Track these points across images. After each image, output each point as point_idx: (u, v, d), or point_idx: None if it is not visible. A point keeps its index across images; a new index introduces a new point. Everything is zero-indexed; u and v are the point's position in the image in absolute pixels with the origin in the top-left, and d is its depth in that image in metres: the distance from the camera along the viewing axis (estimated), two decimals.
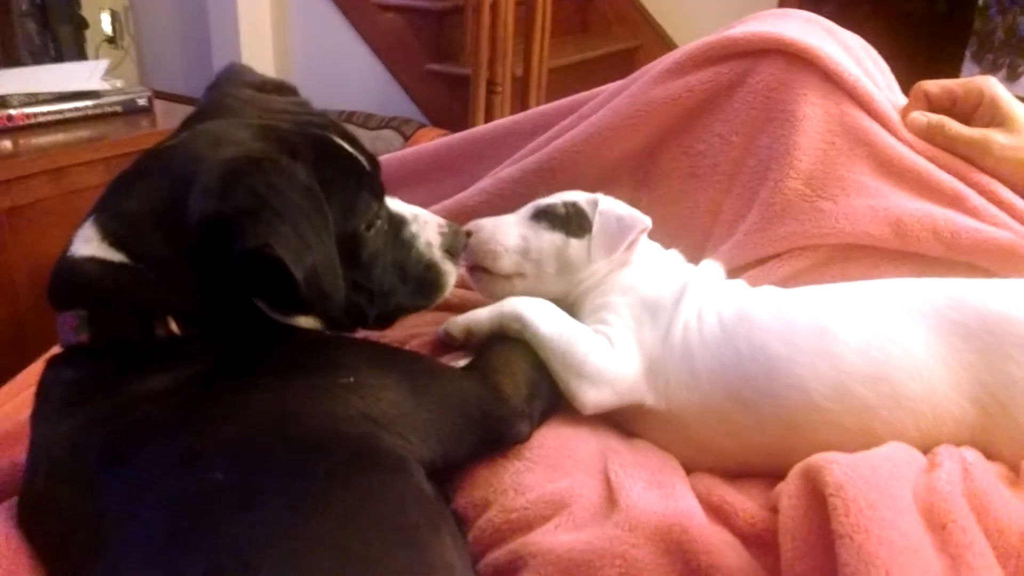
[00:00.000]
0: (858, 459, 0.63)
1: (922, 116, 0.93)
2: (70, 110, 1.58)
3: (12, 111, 1.50)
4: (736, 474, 0.77)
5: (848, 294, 0.80)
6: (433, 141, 1.25)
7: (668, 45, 2.89)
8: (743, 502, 0.70)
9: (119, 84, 1.67)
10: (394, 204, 0.82)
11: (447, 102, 2.60)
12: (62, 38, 2.23)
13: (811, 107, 0.93)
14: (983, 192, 0.88)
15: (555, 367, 0.80)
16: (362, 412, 0.65)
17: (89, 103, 1.60)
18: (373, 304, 0.77)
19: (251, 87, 0.80)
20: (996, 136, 0.89)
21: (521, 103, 2.34)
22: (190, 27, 2.80)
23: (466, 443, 0.73)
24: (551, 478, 0.73)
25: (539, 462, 0.75)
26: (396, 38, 2.65)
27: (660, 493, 0.71)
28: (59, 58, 2.17)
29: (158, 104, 1.76)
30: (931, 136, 0.92)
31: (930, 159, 0.90)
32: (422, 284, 0.81)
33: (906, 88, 1.00)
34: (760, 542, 0.66)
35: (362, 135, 2.55)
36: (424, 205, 1.15)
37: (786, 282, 0.89)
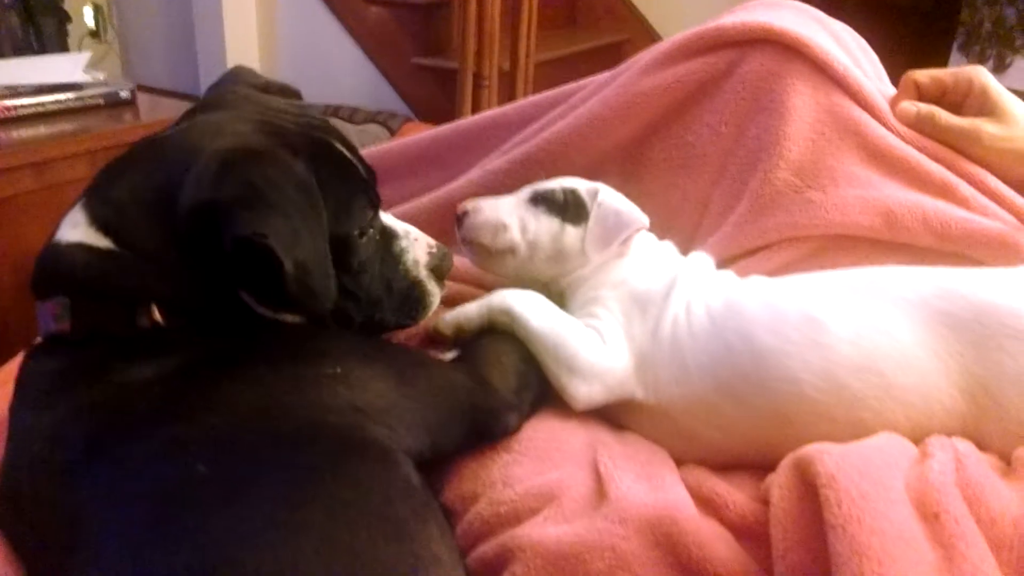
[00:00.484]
0: (849, 449, 0.63)
1: (912, 106, 0.92)
2: (52, 102, 1.56)
3: None
4: (726, 467, 0.76)
5: (837, 283, 0.79)
6: (419, 134, 1.24)
7: (655, 39, 2.85)
8: (733, 494, 0.70)
9: (102, 77, 1.65)
10: (387, 219, 0.82)
11: (434, 96, 2.59)
12: (45, 32, 2.19)
13: (801, 97, 0.92)
14: (973, 182, 0.88)
15: (546, 362, 0.79)
16: (349, 402, 0.64)
17: (71, 95, 1.58)
18: (360, 311, 0.77)
19: (255, 88, 0.80)
20: (986, 126, 0.89)
21: (508, 97, 2.33)
22: (174, 21, 2.77)
23: (454, 435, 0.72)
24: (540, 471, 0.72)
25: (528, 455, 0.74)
26: (382, 32, 2.63)
27: (650, 485, 0.70)
28: (42, 52, 2.14)
29: (141, 97, 1.74)
30: (921, 126, 0.91)
31: (920, 149, 0.90)
32: (406, 301, 0.81)
33: (895, 79, 0.99)
34: (751, 534, 0.66)
35: (348, 129, 2.53)
36: (411, 197, 1.15)
37: (776, 273, 0.89)
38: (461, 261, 0.98)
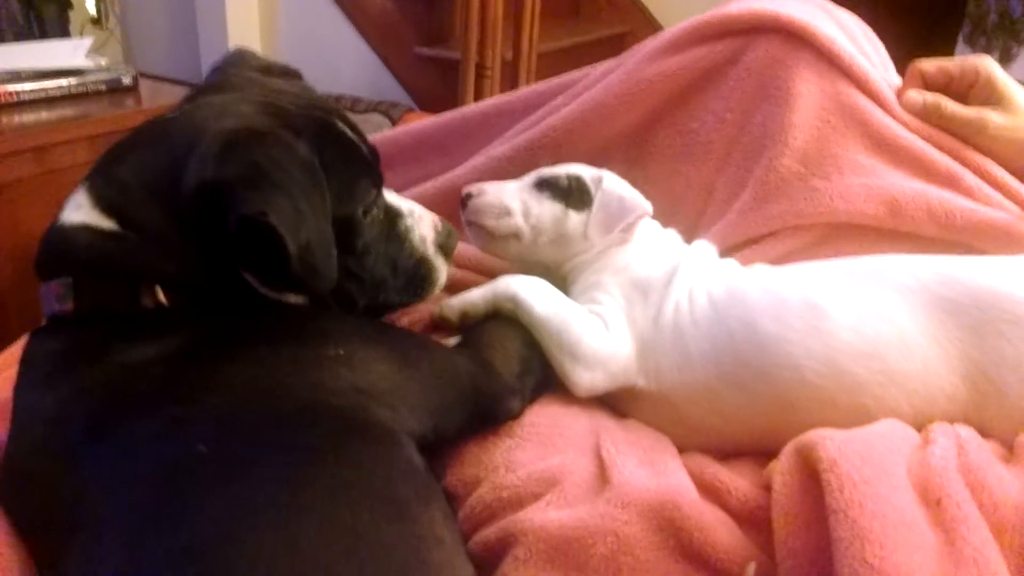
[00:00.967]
0: (852, 435, 0.63)
1: (918, 95, 0.92)
2: (53, 88, 1.55)
3: None
4: (728, 453, 0.77)
5: (839, 271, 0.79)
6: (422, 120, 1.24)
7: (658, 31, 2.86)
8: (735, 480, 0.70)
9: (103, 63, 1.64)
10: (391, 197, 0.82)
11: (436, 86, 2.58)
12: (46, 18, 2.19)
13: (806, 85, 0.92)
14: (978, 172, 0.88)
15: (549, 348, 0.79)
16: (351, 384, 0.64)
17: (73, 81, 1.57)
18: (364, 293, 0.77)
19: (257, 70, 0.80)
20: (991, 116, 0.88)
21: (511, 87, 2.32)
22: (176, 10, 2.76)
23: (457, 418, 0.72)
24: (542, 456, 0.72)
25: (530, 440, 0.74)
26: (385, 21, 2.62)
27: (652, 471, 0.70)
28: (43, 38, 2.14)
29: (143, 83, 1.73)
30: (926, 115, 0.91)
31: (925, 138, 0.90)
32: (412, 279, 0.81)
33: (901, 69, 0.99)
34: (753, 520, 0.66)
35: (349, 118, 2.52)
36: (414, 184, 1.14)
37: (780, 261, 0.89)
38: (465, 247, 0.98)
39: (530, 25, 2.28)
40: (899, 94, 0.93)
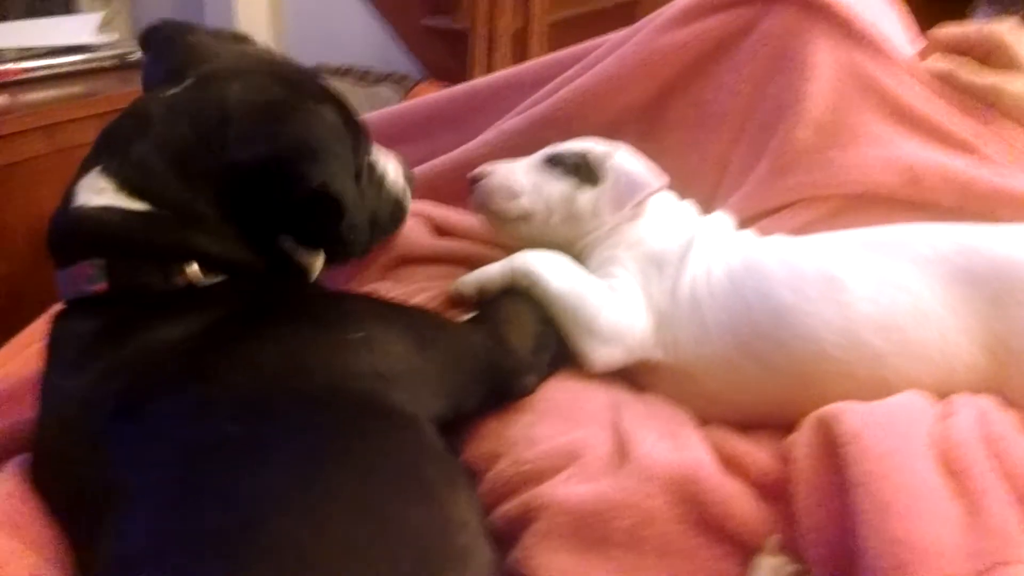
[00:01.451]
0: (873, 407, 0.63)
1: (933, 64, 0.91)
2: (63, 64, 1.54)
3: (5, 66, 1.47)
4: (748, 426, 0.77)
5: (856, 241, 0.79)
6: (432, 94, 1.23)
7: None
8: (755, 453, 0.70)
9: (113, 38, 1.63)
10: None
11: (446, 57, 2.55)
12: None
13: (822, 55, 0.91)
14: (998, 140, 0.87)
15: (565, 324, 0.79)
16: (371, 367, 0.65)
17: (82, 57, 1.57)
18: (357, 237, 0.77)
19: (210, 36, 0.80)
20: (1008, 84, 0.87)
21: (521, 58, 2.29)
22: None
23: (474, 396, 0.73)
24: (562, 430, 0.72)
25: (550, 414, 0.74)
26: None
27: (672, 444, 0.70)
28: (51, 13, 2.12)
29: None
30: (944, 83, 0.90)
31: (943, 107, 0.89)
32: (392, 216, 0.87)
33: (918, 35, 0.98)
34: (774, 492, 0.66)
35: (359, 92, 2.51)
36: (425, 159, 1.14)
37: (797, 233, 0.88)
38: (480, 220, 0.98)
39: None
40: (916, 62, 0.92)
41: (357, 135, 0.76)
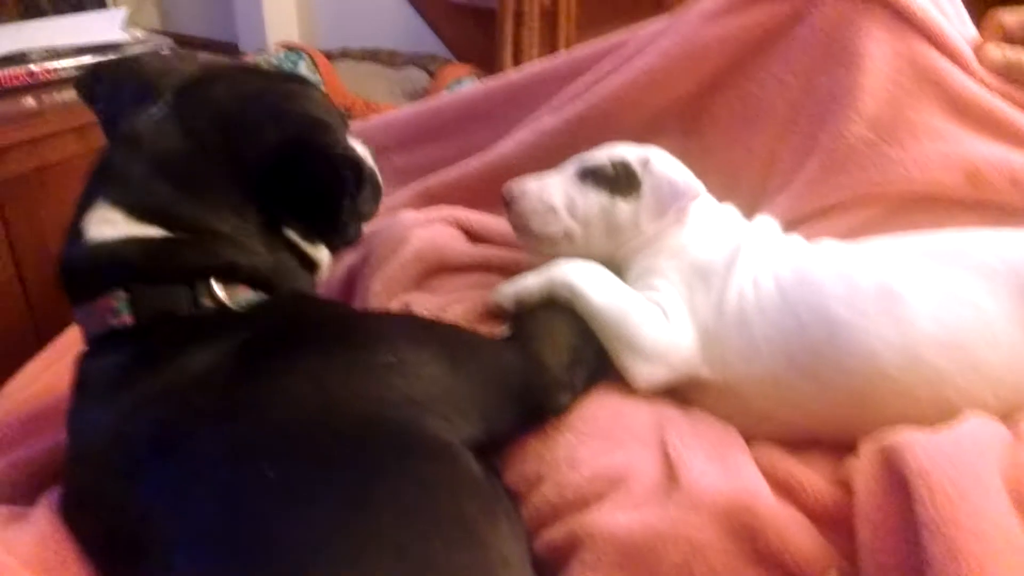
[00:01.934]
0: (940, 439, 0.59)
1: (998, 50, 0.86)
2: (92, 63, 1.53)
3: (33, 67, 1.45)
4: (799, 443, 0.74)
5: (917, 250, 0.75)
6: (466, 88, 1.20)
7: None
8: (810, 477, 0.67)
9: (140, 34, 1.62)
10: None
11: (473, 36, 2.52)
12: None
13: (876, 45, 0.86)
14: None
15: (607, 340, 0.76)
16: (405, 394, 0.63)
17: (111, 55, 1.55)
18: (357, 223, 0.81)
19: (156, 58, 0.84)
20: None
21: (550, 35, 2.25)
22: None
23: (508, 416, 0.70)
24: (606, 451, 0.70)
25: (592, 434, 0.72)
26: None
27: (722, 468, 0.68)
28: (79, 4, 2.11)
29: (180, 53, 1.71)
30: (1008, 72, 0.85)
31: (1008, 99, 0.84)
32: (373, 194, 0.84)
33: (978, 22, 0.92)
34: (830, 520, 0.64)
35: (387, 74, 2.48)
36: (459, 156, 1.11)
37: (849, 234, 0.84)
38: None
39: None
40: (977, 50, 0.87)
41: (340, 115, 0.78)
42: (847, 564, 0.60)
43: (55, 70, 1.48)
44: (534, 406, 0.72)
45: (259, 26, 2.61)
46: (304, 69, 2.34)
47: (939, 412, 0.66)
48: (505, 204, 0.86)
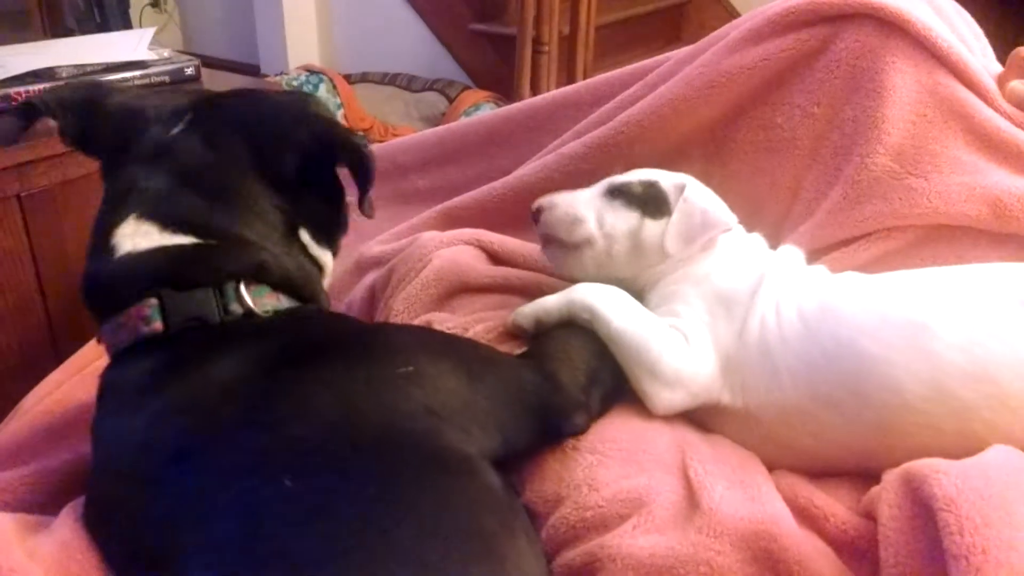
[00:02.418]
0: (967, 468, 0.59)
1: (1022, 85, 0.86)
2: (118, 81, 1.55)
3: (61, 83, 1.48)
4: (819, 473, 0.73)
5: (943, 282, 0.75)
6: (487, 113, 1.21)
7: (719, 0, 2.78)
8: (832, 505, 0.67)
9: (166, 53, 1.64)
10: None
11: (492, 62, 2.54)
12: (107, 4, 2.20)
13: (901, 76, 0.87)
14: None
15: (627, 364, 0.76)
16: (424, 405, 0.63)
17: (137, 73, 1.56)
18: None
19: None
20: None
21: (568, 63, 2.28)
22: None
23: (525, 432, 0.71)
24: (626, 474, 0.70)
25: (613, 456, 0.71)
26: None
27: (744, 494, 0.67)
28: (104, 23, 2.15)
29: (205, 73, 1.73)
30: None
31: None
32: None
33: (1002, 57, 0.93)
34: (853, 550, 0.63)
35: (405, 98, 2.50)
36: (479, 178, 1.12)
37: (872, 265, 0.84)
38: (536, 248, 0.95)
39: None
40: (1001, 84, 0.88)
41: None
42: None
43: None
44: (551, 425, 0.72)
45: (280, 49, 2.65)
46: (324, 91, 2.37)
47: (965, 444, 0.65)
48: (533, 217, 0.86)
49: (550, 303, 0.82)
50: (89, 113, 0.77)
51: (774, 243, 0.88)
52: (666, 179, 0.85)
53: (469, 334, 0.86)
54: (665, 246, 0.82)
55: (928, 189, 0.84)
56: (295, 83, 2.30)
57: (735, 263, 0.82)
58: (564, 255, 0.86)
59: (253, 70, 2.72)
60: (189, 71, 1.60)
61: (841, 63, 0.90)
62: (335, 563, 0.52)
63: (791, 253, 0.85)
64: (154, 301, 0.66)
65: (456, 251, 0.94)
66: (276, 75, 2.45)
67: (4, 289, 1.35)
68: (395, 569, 0.52)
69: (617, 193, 0.84)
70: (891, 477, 0.63)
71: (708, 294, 0.80)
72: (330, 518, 0.54)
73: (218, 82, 1.76)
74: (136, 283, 0.66)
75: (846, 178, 0.88)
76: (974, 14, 0.99)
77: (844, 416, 0.70)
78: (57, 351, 1.34)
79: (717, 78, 0.94)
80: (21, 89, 1.44)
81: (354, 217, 0.82)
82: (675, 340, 0.76)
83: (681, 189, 0.83)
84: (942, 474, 0.58)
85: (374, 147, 0.94)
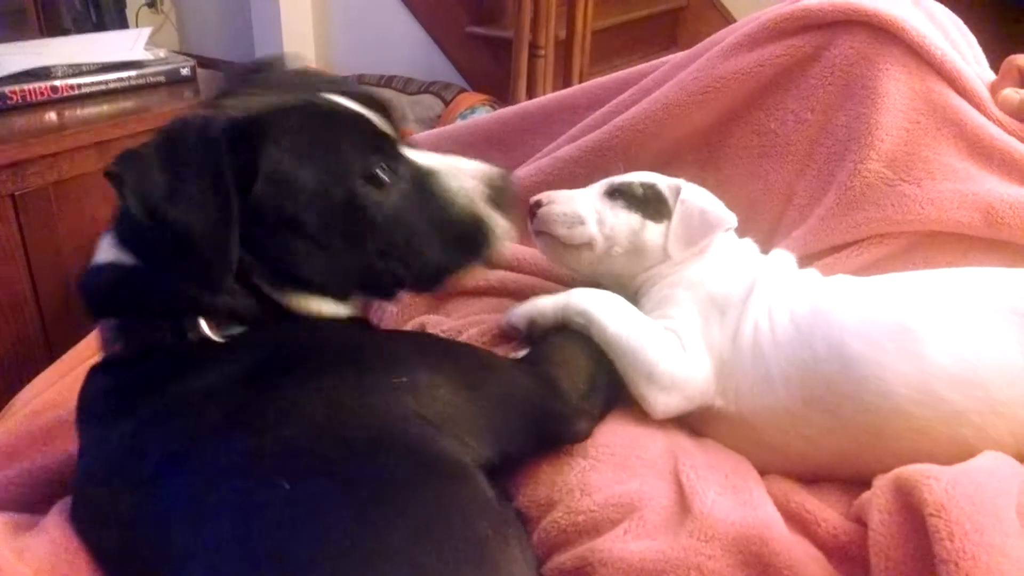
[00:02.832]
0: (958, 474, 0.59)
1: (1015, 93, 0.87)
2: (114, 80, 1.55)
3: (56, 82, 1.48)
4: (810, 478, 0.73)
5: (934, 287, 0.75)
6: (482, 116, 1.21)
7: (715, 6, 2.79)
8: (824, 511, 0.67)
9: (162, 53, 1.64)
10: (422, 156, 0.74)
11: (488, 66, 2.54)
12: (103, 3, 2.20)
13: (894, 83, 0.87)
14: None
15: (623, 369, 0.76)
16: (416, 412, 0.63)
17: (132, 73, 1.57)
18: (408, 268, 0.71)
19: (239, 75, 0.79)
20: None
21: (565, 67, 2.28)
22: None
23: (522, 441, 0.70)
24: (619, 479, 0.70)
25: (605, 461, 0.72)
26: (436, 1, 2.59)
27: (736, 499, 0.67)
28: (100, 23, 2.15)
29: (201, 74, 1.73)
30: None
31: None
32: (464, 238, 0.73)
33: (995, 65, 0.93)
34: (844, 555, 0.63)
35: (401, 100, 2.50)
36: None
37: (864, 271, 0.85)
38: (531, 251, 0.95)
39: (584, 3, 2.22)
40: (994, 92, 0.88)
41: (335, 153, 0.68)
42: None
43: (77, 86, 1.50)
44: (551, 432, 0.72)
45: (277, 50, 2.64)
46: None
47: (955, 450, 0.66)
48: (530, 213, 0.86)
49: (545, 305, 0.82)
50: None
51: (767, 247, 0.88)
52: (663, 181, 0.85)
53: (463, 337, 0.86)
54: (668, 250, 0.82)
55: (920, 196, 0.84)
56: None
57: (728, 268, 0.82)
58: (561, 250, 0.86)
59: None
60: (185, 71, 1.61)
61: (835, 69, 0.90)
62: (329, 564, 0.52)
63: (783, 257, 0.85)
64: (114, 322, 0.66)
65: None
66: None
67: None
68: (388, 571, 0.52)
69: (617, 194, 0.85)
70: (882, 482, 0.63)
71: (702, 298, 0.80)
72: (322, 523, 0.54)
73: (216, 83, 1.76)
74: (98, 298, 0.67)
75: (839, 184, 0.88)
76: (968, 22, 0.99)
77: (836, 420, 0.71)
78: (51, 349, 1.34)
79: (712, 83, 0.94)
80: (17, 88, 1.44)
81: None
82: (671, 344, 0.77)
83: (677, 191, 0.84)
84: (933, 480, 0.58)
85: None
